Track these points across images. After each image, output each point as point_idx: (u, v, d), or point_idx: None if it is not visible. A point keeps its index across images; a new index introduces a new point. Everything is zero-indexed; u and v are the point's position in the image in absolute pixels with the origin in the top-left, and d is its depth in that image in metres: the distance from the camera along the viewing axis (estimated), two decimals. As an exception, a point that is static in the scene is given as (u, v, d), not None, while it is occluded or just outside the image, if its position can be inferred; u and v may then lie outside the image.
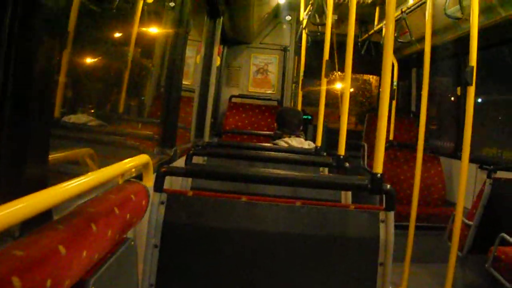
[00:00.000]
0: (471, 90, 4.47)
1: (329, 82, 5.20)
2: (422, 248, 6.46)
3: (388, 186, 2.67)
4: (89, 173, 1.70)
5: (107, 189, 2.11)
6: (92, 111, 3.94)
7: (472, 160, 5.12)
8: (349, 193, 3.87)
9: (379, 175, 2.68)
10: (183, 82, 4.66)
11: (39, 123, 1.60)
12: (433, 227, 7.06)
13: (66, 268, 1.35)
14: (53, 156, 2.07)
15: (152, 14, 4.98)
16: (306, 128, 9.15)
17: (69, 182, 1.49)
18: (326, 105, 5.28)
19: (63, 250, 1.32)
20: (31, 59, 1.53)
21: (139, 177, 2.53)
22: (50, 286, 1.23)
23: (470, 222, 5.41)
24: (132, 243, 2.24)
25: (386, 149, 2.84)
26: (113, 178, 2.03)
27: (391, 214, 2.67)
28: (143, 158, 2.43)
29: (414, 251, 5.61)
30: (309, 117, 9.86)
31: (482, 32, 4.59)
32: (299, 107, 7.34)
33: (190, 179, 3.88)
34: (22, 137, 1.52)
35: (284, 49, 9.37)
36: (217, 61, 7.02)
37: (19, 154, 1.52)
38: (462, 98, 7.38)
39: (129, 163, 2.24)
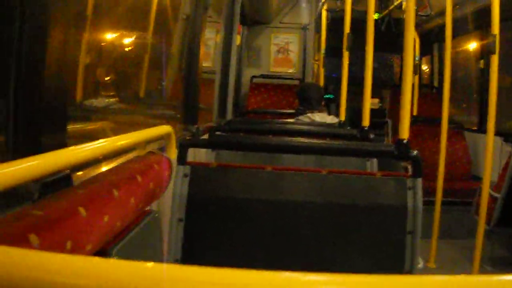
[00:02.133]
0: (495, 59, 4.41)
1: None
2: (449, 223, 6.39)
3: (415, 151, 2.61)
4: (109, 138, 1.66)
5: (129, 160, 2.08)
6: (113, 95, 3.93)
7: (497, 133, 5.04)
8: (375, 164, 3.82)
9: (405, 141, 2.64)
10: (204, 65, 4.63)
11: (57, 87, 1.57)
12: (459, 202, 6.98)
13: (87, 232, 1.32)
14: (72, 126, 2.04)
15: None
16: (329, 107, 9.10)
17: (88, 144, 1.47)
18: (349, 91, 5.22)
19: (83, 212, 1.29)
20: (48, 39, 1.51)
21: (162, 150, 2.50)
22: (70, 248, 1.19)
23: (497, 195, 5.34)
24: (157, 215, 2.21)
25: (410, 124, 2.81)
26: (134, 145, 2.00)
27: (419, 181, 2.62)
28: (165, 128, 2.39)
29: (441, 226, 5.56)
30: (331, 96, 9.80)
31: (503, 1, 4.52)
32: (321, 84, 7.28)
33: (213, 155, 3.84)
34: (41, 100, 1.50)
35: (304, 28, 9.31)
36: (237, 40, 6.97)
37: (38, 117, 1.50)
38: (486, 70, 7.29)
39: (151, 132, 2.20)
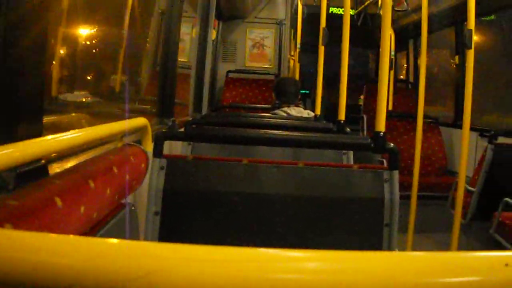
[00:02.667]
0: (470, 53, 4.43)
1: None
2: (424, 217, 6.43)
3: (392, 144, 2.62)
4: (85, 128, 1.65)
5: (105, 152, 2.06)
6: (87, 90, 3.91)
7: (472, 128, 5.07)
8: (351, 158, 3.83)
9: (382, 133, 2.64)
10: (179, 59, 4.62)
11: (33, 76, 1.56)
12: (435, 196, 7.03)
13: (63, 222, 1.30)
14: (47, 118, 2.02)
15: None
16: (305, 102, 9.11)
17: (63, 134, 1.45)
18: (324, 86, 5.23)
19: (59, 202, 1.27)
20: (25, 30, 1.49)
21: (138, 143, 2.48)
22: None
23: (473, 189, 5.38)
24: (133, 208, 2.20)
25: (386, 119, 2.80)
26: (110, 136, 1.99)
27: (396, 173, 2.62)
28: (141, 120, 2.38)
29: (417, 221, 5.58)
30: (307, 91, 9.81)
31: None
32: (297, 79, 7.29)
33: (189, 149, 3.82)
34: (17, 90, 1.48)
35: (280, 23, 9.31)
36: (212, 35, 6.96)
37: (14, 107, 1.48)
38: (461, 65, 7.34)
39: (127, 124, 2.19)
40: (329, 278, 0.62)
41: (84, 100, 3.73)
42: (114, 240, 0.65)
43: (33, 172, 1.40)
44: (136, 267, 0.60)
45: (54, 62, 2.93)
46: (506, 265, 0.65)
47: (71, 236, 0.67)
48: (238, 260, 0.63)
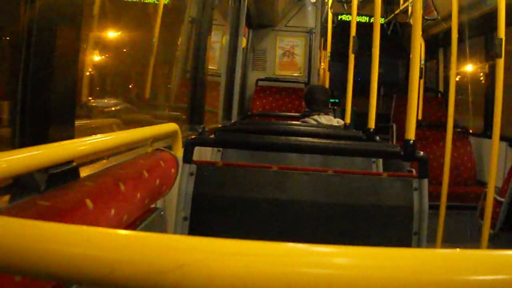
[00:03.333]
0: (501, 62, 4.40)
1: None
2: (453, 227, 6.38)
3: (422, 153, 2.61)
4: (116, 132, 1.67)
5: (136, 156, 2.08)
6: (118, 97, 3.94)
7: (502, 138, 5.03)
8: (380, 166, 3.82)
9: (411, 141, 2.63)
10: (210, 67, 4.64)
11: (66, 81, 1.58)
12: (464, 206, 6.97)
13: (94, 224, 1.31)
14: (80, 122, 2.04)
15: None
16: (334, 111, 9.09)
17: (94, 137, 1.47)
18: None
19: (90, 204, 1.29)
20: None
21: (168, 148, 2.50)
22: None
23: (502, 199, 5.32)
24: (162, 213, 2.21)
25: (416, 128, 2.79)
26: (141, 140, 2.00)
27: (425, 182, 2.61)
28: (171, 126, 2.40)
29: (445, 230, 5.54)
30: (337, 100, 9.79)
31: (509, 7, 4.51)
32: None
33: (219, 156, 3.84)
34: (51, 93, 1.50)
35: (310, 32, 9.31)
36: (243, 42, 6.97)
37: (48, 109, 1.50)
38: (491, 74, 7.29)
39: (157, 129, 2.20)
40: (358, 274, 0.63)
41: (114, 106, 3.75)
42: (148, 234, 0.66)
43: (64, 173, 1.41)
44: (170, 259, 0.61)
45: (85, 68, 2.96)
46: None
47: (105, 229, 0.68)
48: (268, 254, 0.64)
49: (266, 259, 0.63)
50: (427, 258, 0.66)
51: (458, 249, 0.66)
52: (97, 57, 3.30)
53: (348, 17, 6.70)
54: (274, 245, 0.65)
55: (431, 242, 5.19)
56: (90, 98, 3.22)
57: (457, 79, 7.30)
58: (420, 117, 8.09)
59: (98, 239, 0.63)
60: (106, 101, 3.64)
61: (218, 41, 7.00)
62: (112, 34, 3.81)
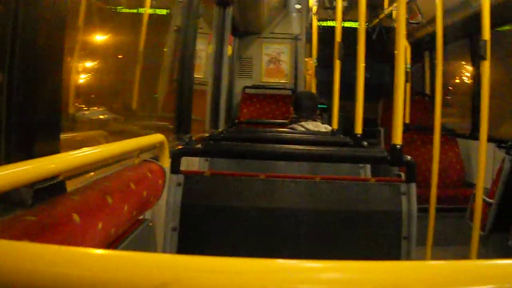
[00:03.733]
0: (486, 64, 4.41)
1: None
2: (443, 230, 6.39)
3: (409, 157, 2.62)
4: (102, 145, 1.66)
5: (123, 168, 2.07)
6: (104, 108, 3.93)
7: (489, 139, 5.05)
8: (368, 172, 3.82)
9: (398, 146, 2.64)
10: (196, 76, 4.64)
11: (50, 94, 1.57)
12: (453, 208, 6.98)
13: (81, 238, 1.31)
14: (65, 135, 2.04)
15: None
16: (322, 117, 9.11)
17: (80, 150, 1.46)
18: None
19: (77, 218, 1.28)
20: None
21: (155, 159, 2.49)
22: None
23: (491, 200, 5.35)
24: (150, 224, 2.21)
25: (403, 132, 2.80)
26: (127, 152, 2.00)
27: (413, 186, 2.62)
28: (158, 137, 2.39)
29: (435, 233, 5.55)
30: (324, 106, 9.82)
31: (493, 9, 4.53)
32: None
33: (206, 165, 3.83)
34: (34, 107, 1.49)
35: (295, 38, 9.34)
36: (228, 50, 6.98)
37: (31, 124, 1.49)
38: (477, 76, 7.33)
39: (144, 140, 2.20)
40: None
41: (101, 117, 3.74)
42: (130, 252, 0.66)
43: (50, 188, 1.41)
44: (152, 278, 0.60)
45: (70, 80, 2.95)
46: None
47: (88, 249, 0.68)
48: (255, 271, 0.64)
49: (252, 276, 0.62)
50: (415, 270, 0.66)
51: (447, 261, 0.67)
52: (81, 69, 3.29)
53: (332, 23, 6.74)
54: (260, 261, 0.65)
55: (421, 246, 5.20)
56: (76, 110, 3.21)
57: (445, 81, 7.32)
58: (407, 121, 8.11)
59: (78, 259, 0.63)
60: (92, 111, 3.63)
61: (204, 49, 7.01)
62: (96, 45, 3.80)
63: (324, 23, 8.56)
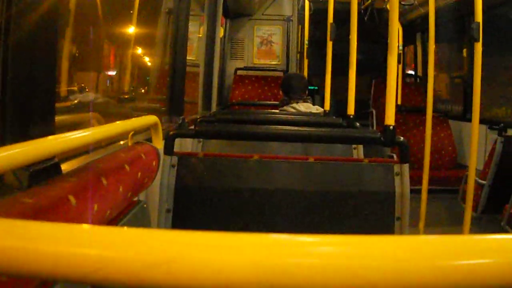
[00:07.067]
0: (478, 46, 4.41)
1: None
2: (435, 211, 6.42)
3: (402, 138, 2.62)
4: (96, 127, 1.67)
5: (117, 150, 2.08)
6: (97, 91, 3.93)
7: (481, 121, 5.06)
8: (361, 151, 3.83)
9: (391, 127, 2.64)
10: (188, 58, 4.63)
11: (44, 77, 1.57)
12: (445, 190, 7.01)
13: (78, 220, 1.32)
14: (60, 117, 2.04)
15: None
16: (313, 99, 9.11)
17: (75, 132, 1.46)
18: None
19: (73, 200, 1.29)
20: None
21: (149, 141, 2.49)
22: None
23: (483, 182, 5.38)
24: (145, 205, 2.21)
25: (395, 113, 2.79)
26: (121, 133, 2.00)
27: (406, 167, 2.62)
28: (151, 118, 2.39)
29: (428, 214, 5.58)
30: (315, 88, 9.80)
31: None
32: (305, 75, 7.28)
33: (199, 147, 3.83)
34: (29, 90, 1.50)
35: (287, 19, 9.32)
36: (220, 32, 6.97)
37: (26, 106, 1.49)
38: (469, 58, 7.33)
39: (137, 122, 2.20)
40: (342, 263, 0.63)
41: (94, 99, 3.74)
42: (133, 229, 0.66)
43: (46, 170, 1.41)
44: (156, 254, 0.61)
45: (64, 62, 2.95)
46: None
47: (90, 225, 0.68)
48: (253, 245, 0.64)
49: (252, 249, 0.63)
50: (410, 244, 0.67)
51: (440, 235, 0.67)
52: (74, 51, 3.28)
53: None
54: (258, 236, 0.66)
55: (413, 227, 5.23)
56: (69, 93, 3.21)
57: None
58: (399, 102, 8.12)
59: (83, 236, 0.64)
60: (85, 94, 3.62)
61: (195, 31, 6.99)
62: (89, 26, 3.79)
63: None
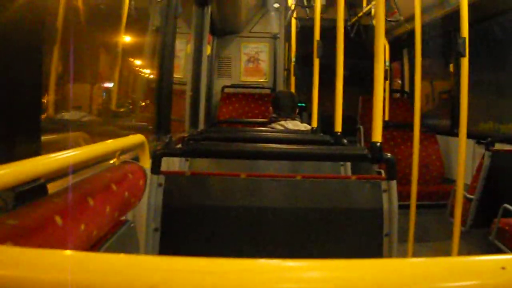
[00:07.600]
0: (465, 61, 4.42)
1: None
2: (424, 226, 6.43)
3: (389, 154, 2.62)
4: (82, 147, 1.66)
5: (103, 169, 2.07)
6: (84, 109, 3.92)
7: (469, 136, 5.07)
8: (349, 169, 3.83)
9: (378, 143, 2.64)
10: (175, 76, 4.63)
11: (30, 96, 1.57)
12: (434, 205, 7.04)
13: (64, 240, 1.31)
14: (46, 137, 2.03)
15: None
16: (301, 115, 9.12)
17: (61, 152, 1.46)
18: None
19: (59, 220, 1.28)
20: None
21: (136, 160, 2.49)
22: None
23: (471, 196, 5.38)
24: (132, 225, 2.20)
25: (383, 129, 2.79)
26: (108, 153, 1.99)
27: (393, 183, 2.62)
28: (138, 137, 2.38)
29: (416, 230, 5.58)
30: (303, 104, 9.82)
31: (471, 6, 4.54)
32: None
33: (187, 165, 3.82)
34: (14, 110, 1.49)
35: (274, 37, 9.34)
36: (207, 50, 6.98)
37: (11, 126, 1.49)
38: (456, 73, 7.36)
39: (124, 141, 2.19)
40: (330, 287, 0.63)
41: (81, 119, 3.72)
42: (117, 255, 0.65)
43: (32, 191, 1.41)
44: (140, 281, 0.60)
45: (50, 82, 2.94)
46: (503, 268, 0.66)
47: (74, 251, 0.68)
48: (239, 270, 0.64)
49: (236, 275, 0.63)
50: (396, 268, 0.66)
51: (427, 258, 0.67)
52: (60, 70, 3.28)
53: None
54: (244, 261, 0.65)
55: (403, 242, 5.23)
56: (56, 112, 3.20)
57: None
58: (387, 118, 8.14)
59: (64, 262, 0.63)
60: (72, 113, 3.61)
61: (182, 49, 6.99)
62: (76, 46, 3.78)
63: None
